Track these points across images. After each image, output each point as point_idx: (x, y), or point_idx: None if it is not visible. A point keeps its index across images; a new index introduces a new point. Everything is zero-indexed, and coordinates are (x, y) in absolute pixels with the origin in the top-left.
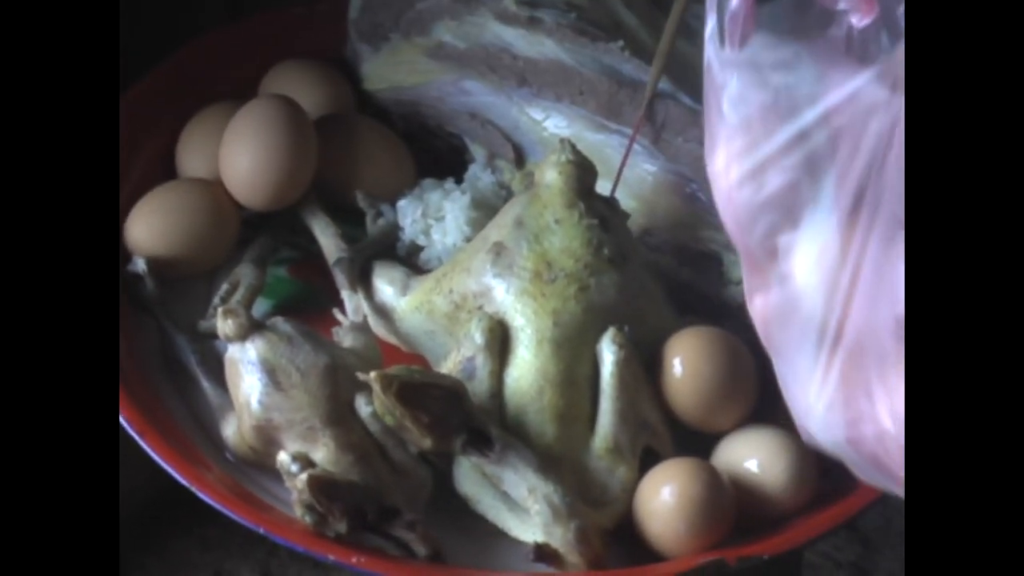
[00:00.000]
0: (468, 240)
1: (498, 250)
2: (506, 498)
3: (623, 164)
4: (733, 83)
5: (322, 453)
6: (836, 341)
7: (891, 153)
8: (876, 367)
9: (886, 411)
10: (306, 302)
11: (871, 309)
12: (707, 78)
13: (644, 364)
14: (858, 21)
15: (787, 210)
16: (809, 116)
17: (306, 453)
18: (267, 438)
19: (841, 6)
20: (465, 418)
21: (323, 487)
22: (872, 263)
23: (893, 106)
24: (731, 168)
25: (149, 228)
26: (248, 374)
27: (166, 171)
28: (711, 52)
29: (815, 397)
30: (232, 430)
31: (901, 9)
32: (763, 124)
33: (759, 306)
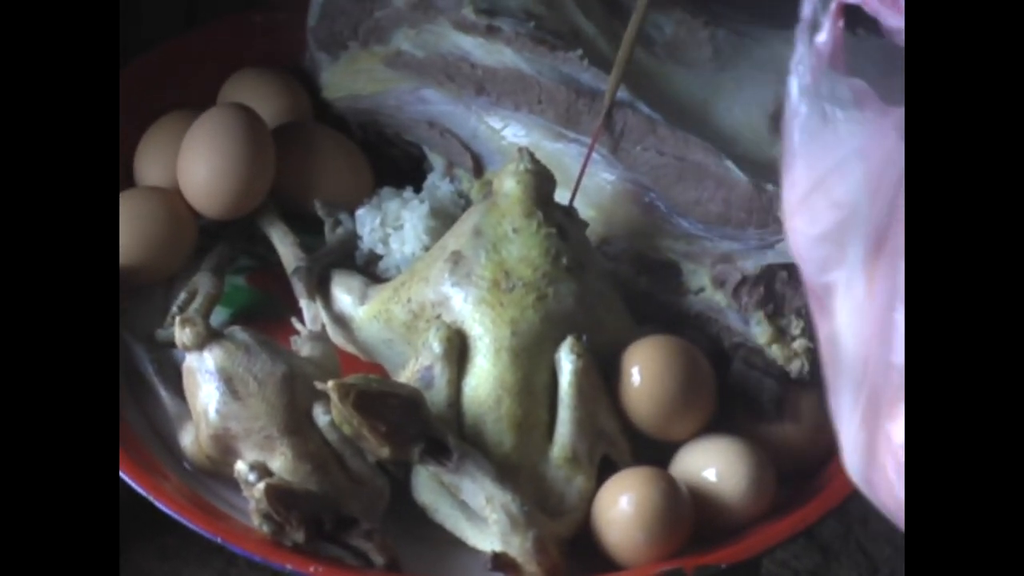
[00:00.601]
0: (426, 249)
1: (456, 259)
2: (464, 507)
3: (582, 173)
4: (803, 114)
5: (280, 462)
6: (862, 383)
7: (898, 202)
8: (882, 413)
9: (881, 459)
10: (264, 311)
11: (880, 354)
12: (787, 105)
13: (602, 373)
14: None
15: (837, 246)
16: (848, 152)
17: (264, 462)
18: (225, 447)
19: None
20: (423, 427)
21: (280, 496)
22: (882, 308)
23: (902, 155)
24: (792, 194)
25: None
26: (206, 383)
27: (124, 179)
28: (793, 81)
29: (847, 437)
30: (190, 439)
31: None
32: (819, 156)
33: (823, 339)
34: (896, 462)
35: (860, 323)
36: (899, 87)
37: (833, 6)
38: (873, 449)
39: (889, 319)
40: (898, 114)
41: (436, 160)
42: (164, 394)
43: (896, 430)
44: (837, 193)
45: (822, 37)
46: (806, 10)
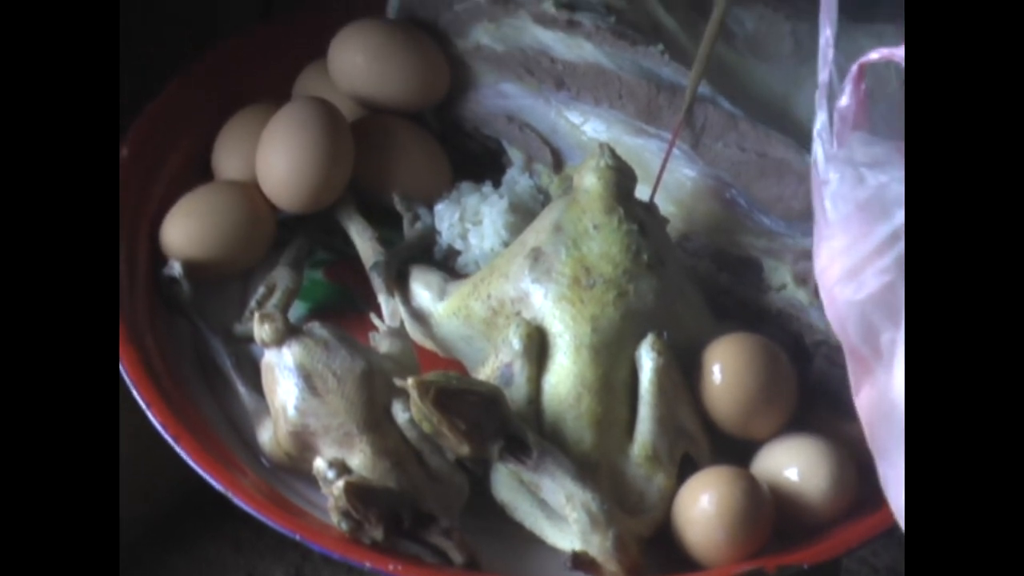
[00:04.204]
0: (506, 245)
1: (536, 255)
2: (544, 505)
3: (662, 169)
4: (834, 180)
5: (358, 459)
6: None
7: None
8: None
9: None
10: (342, 305)
11: None
12: (813, 174)
13: (682, 370)
14: None
15: (888, 310)
16: (899, 217)
17: (342, 459)
18: (303, 444)
19: None
20: (502, 424)
21: (359, 493)
22: None
23: None
24: (833, 266)
25: (185, 231)
26: (284, 379)
27: (202, 173)
28: (818, 148)
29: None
30: (268, 435)
31: None
32: (860, 223)
33: (864, 403)
34: None
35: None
36: None
37: (854, 69)
38: None
39: None
40: None
41: (515, 154)
42: (242, 389)
43: None
44: (886, 260)
45: (844, 102)
46: (822, 76)
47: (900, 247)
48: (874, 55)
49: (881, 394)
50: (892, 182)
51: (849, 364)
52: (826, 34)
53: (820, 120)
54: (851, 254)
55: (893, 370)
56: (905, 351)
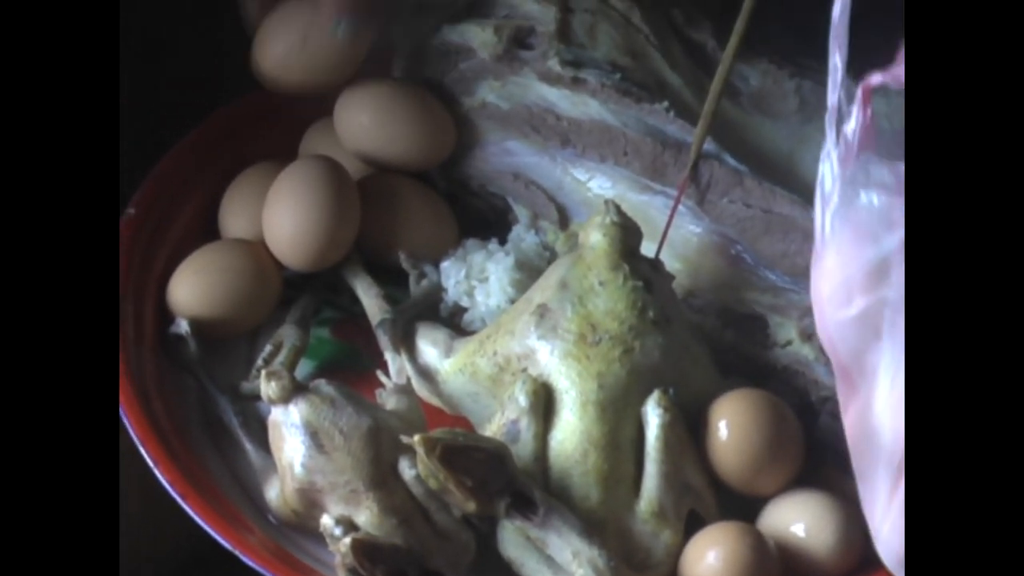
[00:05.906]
0: (512, 302)
1: (542, 312)
2: (550, 562)
3: (668, 225)
4: (835, 199)
5: (365, 516)
6: (900, 468)
7: None
8: None
9: None
10: (349, 363)
11: None
12: (817, 193)
13: (688, 427)
14: None
15: (874, 331)
16: (889, 243)
17: (349, 516)
18: (310, 501)
19: None
20: (509, 481)
21: (366, 550)
22: None
23: None
24: (824, 282)
25: (192, 289)
26: (291, 437)
27: (209, 232)
28: (826, 168)
29: (880, 519)
30: (275, 493)
31: None
32: (853, 243)
33: (849, 421)
34: None
35: (900, 407)
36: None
37: (859, 93)
38: None
39: None
40: None
41: (521, 212)
42: (249, 447)
43: None
44: (874, 281)
45: (851, 126)
46: (831, 99)
47: (890, 269)
48: (877, 78)
49: (862, 414)
50: (890, 207)
51: (838, 382)
52: (835, 58)
53: (830, 140)
54: (842, 273)
55: (875, 390)
56: (905, 380)
